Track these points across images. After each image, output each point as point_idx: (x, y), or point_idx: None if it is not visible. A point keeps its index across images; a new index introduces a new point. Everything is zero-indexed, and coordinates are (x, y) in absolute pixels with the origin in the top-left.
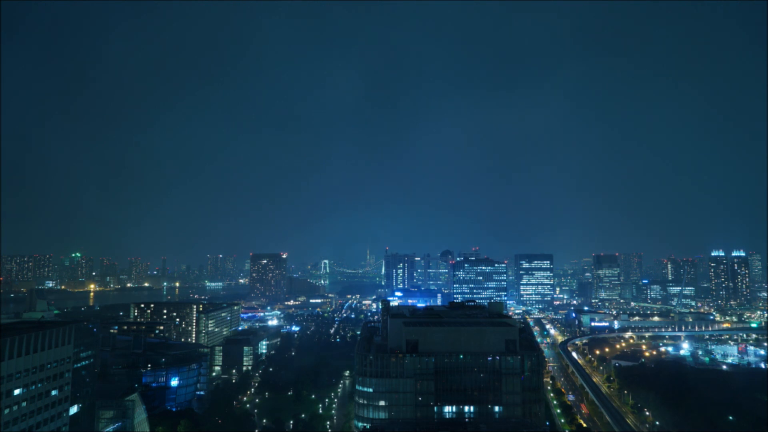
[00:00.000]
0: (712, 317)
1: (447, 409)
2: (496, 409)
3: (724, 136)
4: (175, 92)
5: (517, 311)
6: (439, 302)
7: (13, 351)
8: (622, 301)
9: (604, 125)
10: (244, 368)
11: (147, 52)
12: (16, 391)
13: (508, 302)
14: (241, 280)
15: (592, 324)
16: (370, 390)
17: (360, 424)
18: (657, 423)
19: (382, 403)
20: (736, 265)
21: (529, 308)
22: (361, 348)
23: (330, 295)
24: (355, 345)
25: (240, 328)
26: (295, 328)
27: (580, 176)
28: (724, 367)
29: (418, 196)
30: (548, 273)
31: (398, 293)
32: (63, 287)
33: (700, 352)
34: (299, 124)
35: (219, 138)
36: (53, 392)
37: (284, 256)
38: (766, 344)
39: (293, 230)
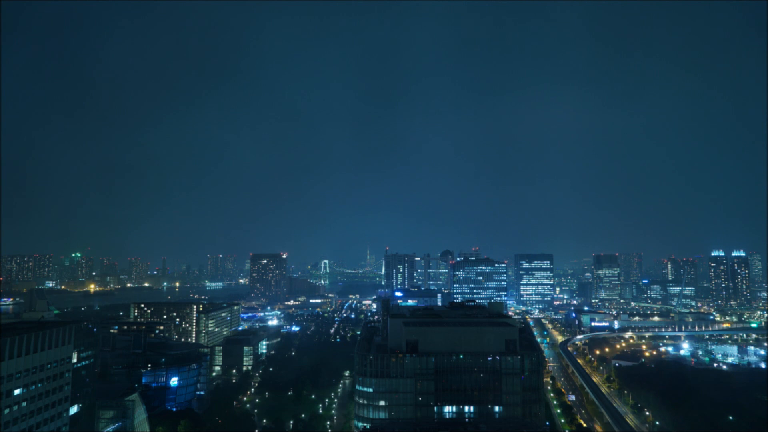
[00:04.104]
0: (712, 317)
1: (447, 409)
2: (496, 409)
3: (723, 136)
4: (176, 93)
5: (517, 311)
6: (439, 302)
7: (13, 351)
8: (622, 301)
9: (605, 125)
10: (244, 368)
11: (147, 52)
12: (16, 391)
13: (508, 302)
14: (241, 280)
15: (592, 324)
16: (370, 390)
17: (360, 424)
18: (657, 423)
19: (382, 403)
20: (736, 265)
21: (529, 308)
22: (361, 348)
23: (330, 295)
24: (355, 345)
25: (240, 328)
26: (295, 328)
27: (580, 176)
28: (724, 367)
29: (418, 195)
30: (548, 273)
31: (398, 293)
32: (63, 287)
33: (700, 352)
34: (299, 125)
35: (219, 138)
36: (53, 392)
37: (284, 256)
38: (766, 344)
39: (293, 230)
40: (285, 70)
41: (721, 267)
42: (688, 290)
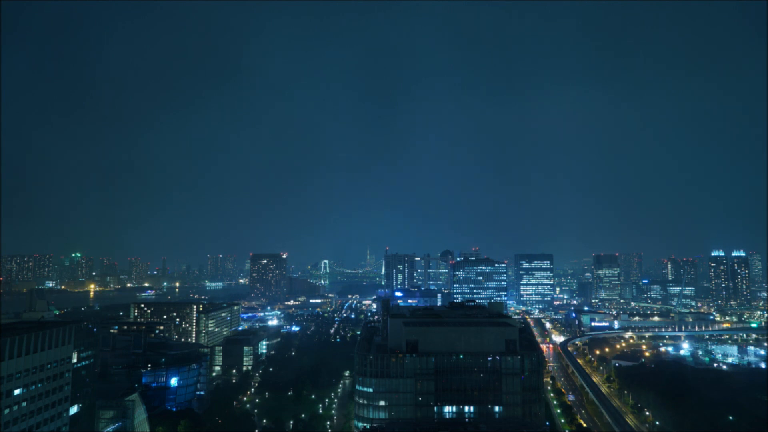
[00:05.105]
0: (712, 317)
1: (447, 409)
2: (496, 409)
3: (723, 136)
4: (176, 93)
5: (517, 311)
6: (439, 302)
7: (13, 351)
8: (622, 301)
9: (605, 125)
10: (244, 368)
11: (147, 52)
12: (16, 391)
13: (508, 302)
14: (241, 280)
15: (592, 324)
16: (370, 390)
17: (360, 424)
18: (657, 423)
19: (382, 403)
20: (736, 265)
21: (529, 308)
22: (361, 348)
23: (330, 295)
24: (355, 345)
25: (240, 328)
26: (295, 328)
27: (580, 176)
28: (724, 367)
29: (418, 196)
30: (548, 273)
31: (398, 293)
32: (63, 287)
33: (700, 352)
34: (299, 125)
35: (219, 138)
36: (53, 392)
37: (284, 256)
38: (766, 344)
39: (293, 230)
40: (285, 70)
41: (721, 267)
42: (688, 290)
